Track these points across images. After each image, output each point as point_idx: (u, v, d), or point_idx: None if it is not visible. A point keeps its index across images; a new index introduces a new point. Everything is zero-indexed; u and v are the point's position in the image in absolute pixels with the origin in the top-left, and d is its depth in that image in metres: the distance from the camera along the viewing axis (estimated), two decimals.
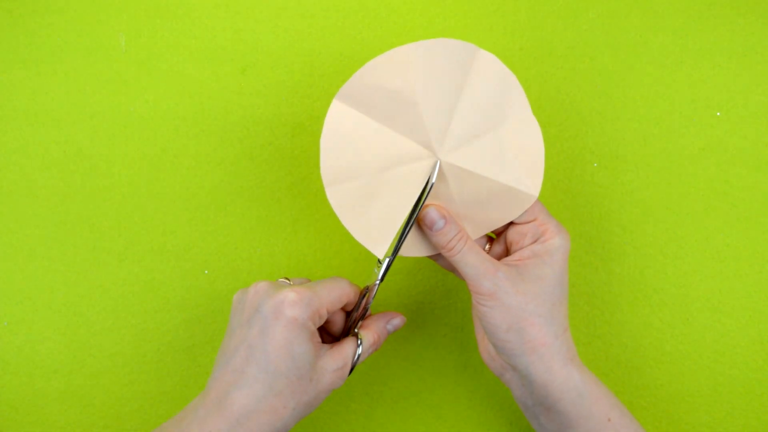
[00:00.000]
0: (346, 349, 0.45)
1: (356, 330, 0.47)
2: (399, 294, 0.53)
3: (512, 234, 0.48)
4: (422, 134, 0.45)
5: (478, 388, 0.53)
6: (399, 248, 0.46)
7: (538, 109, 0.53)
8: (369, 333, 0.46)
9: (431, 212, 0.45)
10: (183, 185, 0.53)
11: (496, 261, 0.45)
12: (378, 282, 0.46)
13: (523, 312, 0.43)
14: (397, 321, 0.48)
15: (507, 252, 0.49)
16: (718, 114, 0.53)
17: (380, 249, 0.46)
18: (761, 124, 0.53)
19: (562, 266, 0.45)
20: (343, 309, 0.47)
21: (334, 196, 0.45)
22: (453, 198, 0.46)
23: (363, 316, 0.47)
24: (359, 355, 0.45)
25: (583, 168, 0.53)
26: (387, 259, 0.46)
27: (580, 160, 0.53)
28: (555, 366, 0.44)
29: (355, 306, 0.47)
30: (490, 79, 0.45)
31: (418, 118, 0.45)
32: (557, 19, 0.54)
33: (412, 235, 0.47)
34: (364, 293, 0.47)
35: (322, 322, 0.44)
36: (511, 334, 0.44)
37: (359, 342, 0.45)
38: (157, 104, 0.53)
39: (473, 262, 0.44)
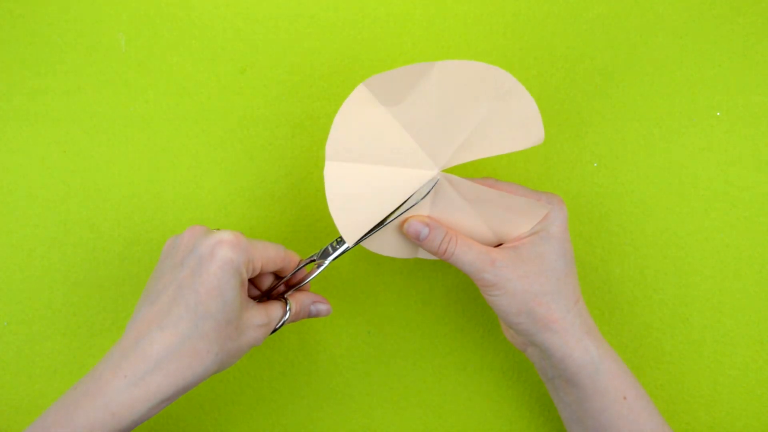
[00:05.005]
0: (273, 310, 0.44)
1: (285, 297, 0.46)
2: (399, 294, 0.53)
3: None
4: (417, 155, 0.45)
5: (478, 388, 0.53)
6: (362, 240, 0.46)
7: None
8: (295, 303, 0.46)
9: (413, 224, 0.45)
10: (183, 185, 0.53)
11: (492, 249, 0.45)
12: (327, 263, 0.46)
13: (528, 294, 0.44)
14: (323, 307, 0.47)
15: None
16: (718, 114, 0.53)
17: (352, 235, 0.45)
18: (761, 124, 0.53)
19: (561, 238, 0.45)
20: (274, 273, 0.46)
21: (332, 170, 0.44)
22: (458, 204, 0.46)
23: (297, 287, 0.47)
24: (285, 321, 0.45)
25: (583, 168, 0.53)
26: (345, 246, 0.46)
27: (580, 160, 0.53)
28: (571, 340, 0.44)
29: (289, 273, 0.46)
30: (453, 74, 0.43)
31: (407, 141, 0.45)
32: (557, 19, 0.53)
33: (400, 238, 0.47)
34: (301, 264, 0.46)
35: (253, 275, 0.43)
36: (522, 317, 0.44)
37: (288, 307, 0.45)
38: (157, 104, 0.53)
39: (469, 259, 0.44)
